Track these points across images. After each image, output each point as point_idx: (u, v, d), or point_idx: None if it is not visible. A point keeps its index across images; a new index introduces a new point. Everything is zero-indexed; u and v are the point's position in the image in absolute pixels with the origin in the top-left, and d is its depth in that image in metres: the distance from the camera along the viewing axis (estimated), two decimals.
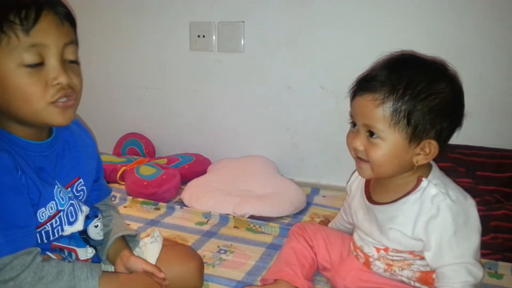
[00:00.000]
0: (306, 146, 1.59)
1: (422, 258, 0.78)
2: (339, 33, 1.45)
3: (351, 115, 0.80)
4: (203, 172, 1.56)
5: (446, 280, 0.74)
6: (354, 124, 0.80)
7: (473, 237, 0.75)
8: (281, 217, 1.28)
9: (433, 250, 0.75)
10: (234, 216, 1.24)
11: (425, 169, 0.80)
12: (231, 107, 1.65)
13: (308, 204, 1.38)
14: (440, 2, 1.34)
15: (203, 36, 1.61)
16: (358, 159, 0.79)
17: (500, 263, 1.01)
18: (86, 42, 1.75)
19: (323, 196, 1.46)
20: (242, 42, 1.56)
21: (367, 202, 0.86)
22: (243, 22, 1.55)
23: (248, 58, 1.58)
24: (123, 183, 1.48)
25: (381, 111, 0.74)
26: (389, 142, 0.74)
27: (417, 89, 0.73)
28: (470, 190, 0.81)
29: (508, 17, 1.28)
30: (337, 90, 1.49)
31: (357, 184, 0.92)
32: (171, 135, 1.76)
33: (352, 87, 0.80)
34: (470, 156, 1.32)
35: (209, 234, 1.15)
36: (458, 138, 1.35)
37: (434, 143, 0.75)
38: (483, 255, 0.97)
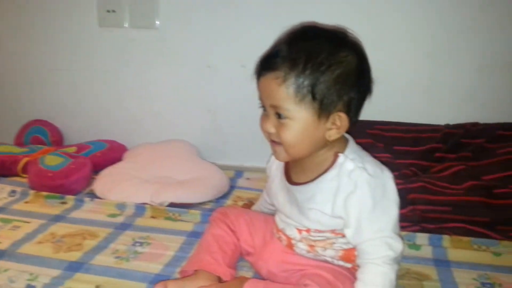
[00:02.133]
0: (229, 128, 1.53)
1: (344, 236, 0.76)
2: (261, 8, 1.39)
3: (259, 98, 0.75)
4: (118, 160, 1.44)
5: (367, 256, 0.72)
6: (264, 107, 0.75)
7: (391, 210, 0.73)
8: (203, 203, 1.21)
9: (353, 226, 0.73)
10: (151, 206, 1.15)
11: (342, 144, 0.78)
12: (148, 89, 1.54)
13: (232, 187, 1.33)
14: None
15: (113, 11, 1.48)
16: (272, 142, 0.76)
17: (418, 234, 1.01)
18: None
19: (247, 179, 1.41)
20: (157, 18, 1.45)
21: (286, 183, 0.82)
22: None
23: (164, 35, 1.47)
24: (26, 175, 1.32)
25: (284, 89, 0.70)
26: (298, 120, 0.71)
27: (317, 61, 0.69)
28: (388, 164, 0.79)
29: None
30: None
31: (276, 165, 0.88)
32: (82, 121, 1.61)
33: (256, 68, 0.75)
34: (388, 132, 1.34)
35: (123, 227, 1.06)
36: (376, 115, 1.37)
37: (343, 116, 0.72)
38: (402, 228, 0.98)
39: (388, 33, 1.34)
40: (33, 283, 0.81)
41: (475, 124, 1.31)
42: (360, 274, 0.72)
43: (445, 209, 1.08)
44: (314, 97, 0.70)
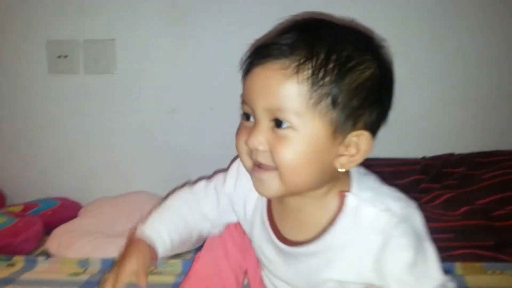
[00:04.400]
0: (199, 175, 1.40)
1: None
2: (225, 47, 1.34)
3: (244, 100, 0.56)
4: (72, 217, 1.25)
5: None
6: (247, 116, 0.56)
7: (430, 249, 0.56)
8: (181, 254, 1.05)
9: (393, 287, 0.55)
10: None
11: (344, 177, 0.58)
12: (105, 139, 1.39)
13: None
14: None
15: (65, 57, 1.36)
16: (257, 167, 0.55)
17: None
18: None
19: None
20: (114, 62, 1.35)
21: (277, 241, 0.60)
22: (114, 39, 1.35)
23: (122, 80, 1.36)
24: None
25: (294, 85, 0.51)
26: (307, 133, 0.51)
27: (343, 54, 0.52)
28: None
29: None
30: (229, 110, 1.35)
31: (253, 206, 0.65)
32: (27, 179, 1.41)
33: (246, 59, 0.57)
34: (368, 168, 1.29)
35: (90, 285, 0.87)
36: None
37: (366, 135, 0.53)
38: None
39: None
40: None
41: (451, 155, 1.31)
42: None
43: (448, 236, 1.02)
44: (334, 103, 0.51)
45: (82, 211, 1.27)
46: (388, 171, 1.29)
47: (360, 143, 0.53)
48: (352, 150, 0.54)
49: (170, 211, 0.72)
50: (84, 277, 0.91)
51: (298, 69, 0.50)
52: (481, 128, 1.36)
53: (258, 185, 0.55)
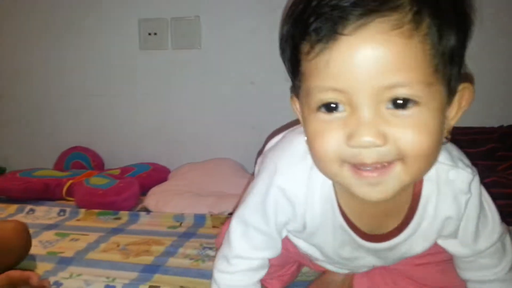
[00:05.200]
0: None
1: None
2: None
3: (326, 86, 0.42)
4: (163, 180, 1.39)
5: (485, 272, 0.56)
6: (328, 106, 0.42)
7: (490, 199, 0.56)
8: None
9: (460, 240, 0.54)
10: (211, 215, 1.09)
11: None
12: (189, 110, 1.51)
13: None
14: None
15: (155, 34, 1.49)
16: (367, 171, 0.42)
17: None
18: (14, 44, 1.57)
19: None
20: (199, 38, 1.46)
21: (364, 242, 0.54)
22: (198, 16, 1.45)
23: (206, 54, 1.47)
24: (72, 199, 1.27)
25: (419, 46, 0.39)
26: (434, 106, 0.41)
27: None
28: None
29: None
30: None
31: (321, 209, 0.53)
32: (121, 146, 1.57)
33: (308, 25, 0.42)
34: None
35: (187, 235, 0.99)
36: None
37: (471, 87, 0.45)
38: None
39: None
40: (112, 284, 0.75)
41: None
42: None
43: None
44: (452, 57, 0.41)
45: (172, 175, 1.41)
46: (464, 140, 1.29)
47: (462, 99, 0.45)
48: (452, 111, 0.45)
49: None
50: (181, 230, 1.03)
51: (419, 23, 0.39)
52: None
53: (370, 191, 0.43)
